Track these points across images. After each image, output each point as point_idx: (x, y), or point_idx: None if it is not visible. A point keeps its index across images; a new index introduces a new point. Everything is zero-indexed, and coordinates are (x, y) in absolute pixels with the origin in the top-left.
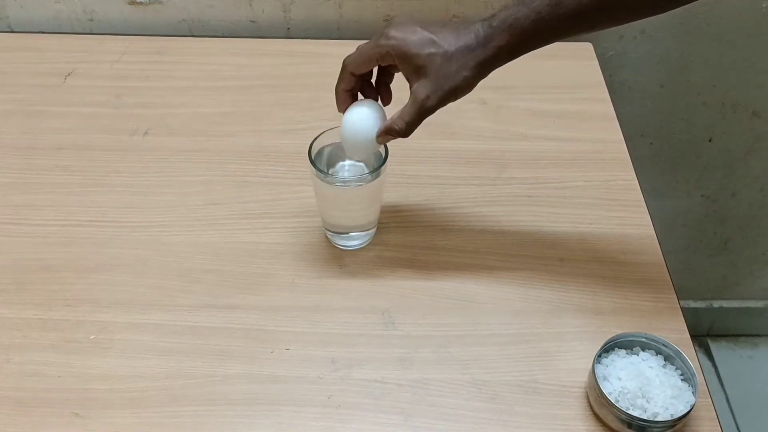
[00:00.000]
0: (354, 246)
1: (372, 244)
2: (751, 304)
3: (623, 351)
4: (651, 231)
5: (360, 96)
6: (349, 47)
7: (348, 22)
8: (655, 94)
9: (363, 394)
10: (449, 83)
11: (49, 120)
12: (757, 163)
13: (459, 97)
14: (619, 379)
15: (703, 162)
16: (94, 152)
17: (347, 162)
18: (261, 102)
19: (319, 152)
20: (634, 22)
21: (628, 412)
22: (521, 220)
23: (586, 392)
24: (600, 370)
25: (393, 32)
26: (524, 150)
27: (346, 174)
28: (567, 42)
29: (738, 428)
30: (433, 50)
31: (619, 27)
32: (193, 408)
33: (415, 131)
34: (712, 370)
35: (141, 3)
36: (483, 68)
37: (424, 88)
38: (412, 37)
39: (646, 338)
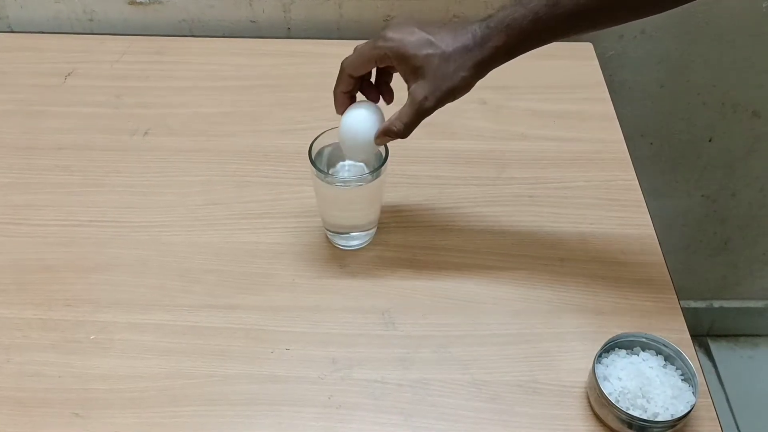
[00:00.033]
0: (354, 246)
1: (372, 244)
2: (751, 304)
3: (623, 351)
4: (651, 231)
5: (361, 96)
6: (349, 47)
7: (348, 22)
8: (655, 94)
9: (363, 394)
10: (447, 84)
11: (49, 120)
12: (757, 163)
13: (457, 98)
14: (620, 379)
15: (703, 162)
16: (94, 152)
17: (347, 162)
18: (261, 102)
19: (320, 152)
20: (634, 22)
21: (628, 412)
22: (521, 220)
23: (587, 392)
24: (600, 370)
25: (390, 33)
26: (524, 150)
27: (346, 174)
28: (567, 42)
29: (738, 428)
30: (430, 51)
31: (619, 27)
32: (193, 408)
33: (414, 131)
34: (712, 370)
35: (141, 3)
36: (480, 68)
37: (422, 89)
38: (410, 38)
39: (646, 338)
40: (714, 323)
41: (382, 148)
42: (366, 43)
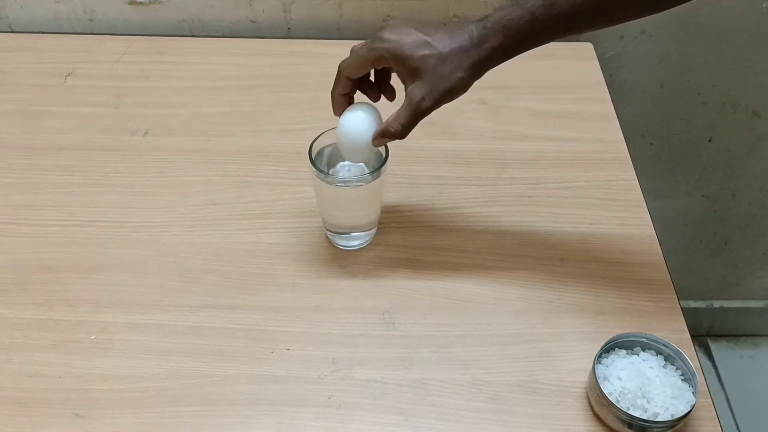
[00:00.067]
0: (354, 246)
1: (372, 244)
2: (751, 304)
3: (624, 351)
4: (651, 231)
5: (359, 98)
6: (349, 47)
7: (348, 22)
8: (655, 94)
9: (363, 394)
10: (444, 84)
11: (49, 120)
12: (757, 163)
13: (454, 98)
14: (620, 379)
15: (703, 162)
16: (94, 152)
17: (347, 162)
18: (261, 102)
19: (320, 152)
20: (634, 22)
21: (628, 412)
22: (521, 220)
23: (587, 392)
24: (600, 370)
25: (387, 35)
26: (524, 150)
27: (346, 174)
28: (567, 42)
29: (738, 428)
30: (427, 52)
31: (619, 27)
32: (193, 408)
33: (414, 132)
34: (712, 370)
35: (141, 3)
36: (477, 69)
37: (419, 89)
38: (407, 39)
39: (646, 338)
40: (714, 323)
41: (381, 149)
42: (362, 44)
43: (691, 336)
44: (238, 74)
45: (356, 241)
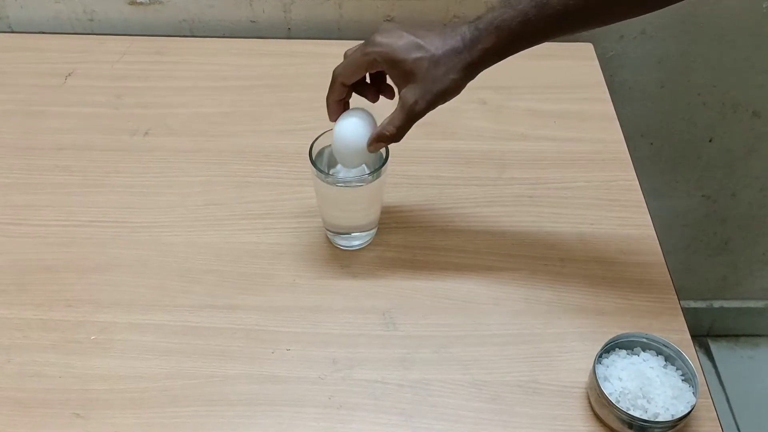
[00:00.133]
0: (355, 246)
1: (373, 244)
2: (752, 304)
3: (624, 351)
4: (651, 231)
5: (359, 101)
6: (349, 47)
7: (348, 22)
8: (656, 94)
9: (364, 394)
10: (437, 87)
11: (49, 120)
12: (758, 163)
13: (447, 100)
14: (620, 379)
15: (703, 162)
16: (94, 152)
17: None
18: (261, 102)
19: (320, 152)
20: (634, 23)
21: (628, 412)
22: (522, 220)
23: (587, 393)
24: (601, 370)
25: (379, 38)
26: (525, 150)
27: (346, 174)
28: (567, 42)
29: (738, 428)
30: (419, 54)
31: (620, 27)
32: (193, 408)
33: (414, 132)
34: (713, 370)
35: (141, 3)
36: (470, 71)
37: (412, 93)
38: (399, 42)
39: (646, 338)
40: (714, 323)
41: (380, 151)
42: (355, 49)
43: (691, 336)
44: (238, 74)
45: (356, 241)
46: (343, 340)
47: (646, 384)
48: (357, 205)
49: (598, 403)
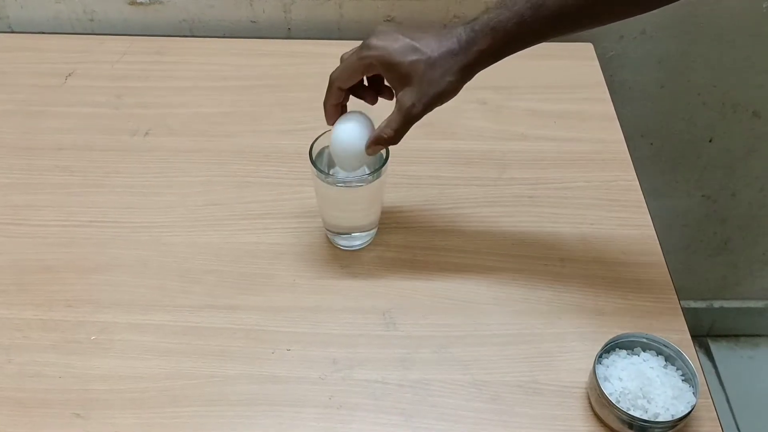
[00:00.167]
0: (355, 246)
1: (373, 244)
2: (752, 304)
3: (624, 351)
4: (652, 231)
5: (356, 104)
6: (349, 47)
7: (348, 22)
8: (656, 94)
9: (364, 394)
10: (434, 89)
11: (49, 120)
12: (757, 163)
13: (444, 102)
14: (620, 379)
15: (703, 162)
16: (94, 152)
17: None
18: (261, 102)
19: (320, 153)
20: (634, 23)
21: (629, 412)
22: (522, 220)
23: (587, 393)
24: (601, 370)
25: (375, 42)
26: (525, 150)
27: (346, 175)
28: (567, 42)
29: (738, 428)
30: (416, 57)
31: (620, 27)
32: (193, 408)
33: (414, 132)
34: (713, 370)
35: (141, 3)
36: (466, 72)
37: (409, 95)
38: (394, 45)
39: (646, 339)
40: (714, 323)
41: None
42: (351, 53)
43: (691, 336)
44: (238, 74)
45: (357, 241)
46: (344, 340)
47: (646, 384)
48: (357, 205)
49: (598, 404)
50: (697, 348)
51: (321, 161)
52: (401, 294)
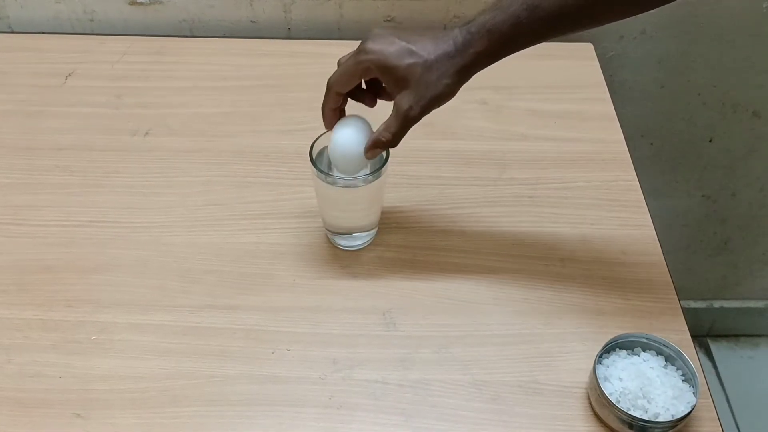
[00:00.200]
0: (355, 247)
1: (373, 244)
2: (752, 304)
3: (624, 351)
4: (652, 231)
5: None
6: (349, 48)
7: (348, 22)
8: (656, 94)
9: (364, 394)
10: (431, 92)
11: (49, 120)
12: (758, 163)
13: (442, 104)
14: (620, 379)
15: (703, 162)
16: (94, 152)
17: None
18: (261, 102)
19: (320, 153)
20: (634, 23)
21: (629, 412)
22: (522, 220)
23: (587, 393)
24: (601, 370)
25: (371, 45)
26: (525, 150)
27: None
28: (567, 42)
29: (738, 428)
30: (412, 60)
31: (619, 27)
32: (193, 408)
33: (414, 132)
34: (713, 370)
35: (141, 3)
36: (463, 74)
37: (406, 99)
38: (390, 49)
39: (647, 339)
40: (714, 323)
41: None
42: (348, 57)
43: (692, 336)
44: (238, 74)
45: (357, 241)
46: (344, 340)
47: (646, 384)
48: (357, 206)
49: (598, 404)
50: (697, 348)
51: (321, 161)
52: (401, 294)
